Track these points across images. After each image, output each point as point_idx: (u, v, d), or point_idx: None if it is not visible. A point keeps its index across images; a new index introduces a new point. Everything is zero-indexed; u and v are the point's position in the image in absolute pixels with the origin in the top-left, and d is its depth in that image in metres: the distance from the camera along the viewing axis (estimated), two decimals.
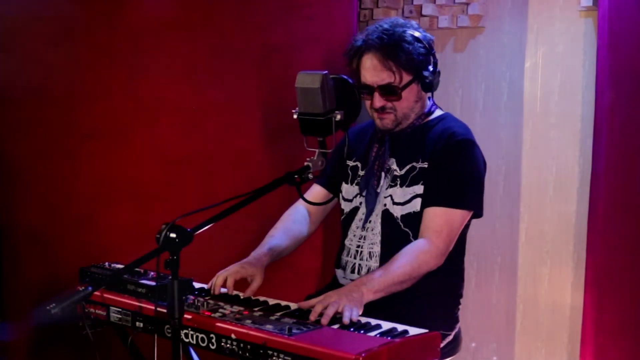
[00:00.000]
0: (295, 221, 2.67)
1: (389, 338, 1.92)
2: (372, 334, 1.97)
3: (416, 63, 2.42)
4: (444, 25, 3.47)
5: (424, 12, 3.52)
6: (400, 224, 2.46)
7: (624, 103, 2.87)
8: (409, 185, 2.46)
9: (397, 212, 2.47)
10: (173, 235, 1.85)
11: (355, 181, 2.61)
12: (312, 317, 2.07)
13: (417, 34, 2.45)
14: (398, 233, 2.46)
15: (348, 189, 2.64)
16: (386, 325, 2.06)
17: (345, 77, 2.31)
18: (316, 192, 2.71)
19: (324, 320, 2.04)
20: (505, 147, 3.35)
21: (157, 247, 1.86)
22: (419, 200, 2.44)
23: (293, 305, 2.25)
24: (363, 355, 1.76)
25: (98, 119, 2.80)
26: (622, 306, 2.89)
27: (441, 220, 2.39)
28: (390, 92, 2.44)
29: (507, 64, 3.35)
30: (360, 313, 2.14)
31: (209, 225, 1.97)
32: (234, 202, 2.03)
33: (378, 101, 2.45)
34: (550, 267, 3.26)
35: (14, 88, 2.64)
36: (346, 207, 2.63)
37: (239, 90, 3.13)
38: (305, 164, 2.19)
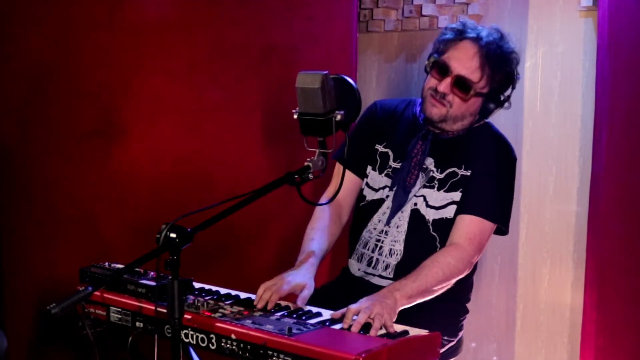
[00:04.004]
0: (330, 217, 2.59)
1: (389, 338, 1.92)
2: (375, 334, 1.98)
3: (501, 84, 2.43)
4: (444, 25, 3.47)
5: (424, 12, 3.51)
6: (430, 227, 2.45)
7: (624, 103, 2.87)
8: (447, 191, 2.45)
9: (430, 215, 2.45)
10: (173, 235, 1.85)
11: (385, 172, 2.56)
12: (345, 324, 2.03)
13: (516, 55, 2.45)
14: (425, 236, 2.45)
15: (375, 178, 2.58)
16: None
17: (345, 77, 2.30)
18: (345, 186, 2.58)
19: (354, 328, 2.01)
20: None
21: (157, 247, 1.86)
22: (454, 207, 2.43)
23: (293, 305, 2.25)
24: (363, 355, 1.76)
25: (98, 118, 2.80)
26: (622, 306, 2.89)
27: (476, 229, 2.39)
28: (465, 87, 2.40)
29: None
30: (394, 320, 2.11)
31: (209, 226, 1.97)
32: (234, 202, 2.03)
33: (445, 87, 2.41)
34: (550, 267, 3.26)
35: (14, 88, 2.64)
36: (369, 195, 2.58)
37: (239, 90, 3.12)
38: (306, 164, 2.18)
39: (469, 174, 2.43)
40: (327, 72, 2.15)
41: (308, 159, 2.19)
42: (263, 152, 3.21)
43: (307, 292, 2.29)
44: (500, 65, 2.41)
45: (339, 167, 2.64)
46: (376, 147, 2.60)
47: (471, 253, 2.38)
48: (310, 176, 2.18)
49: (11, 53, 2.61)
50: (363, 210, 2.59)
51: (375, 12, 3.68)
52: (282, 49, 3.22)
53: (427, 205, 2.45)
